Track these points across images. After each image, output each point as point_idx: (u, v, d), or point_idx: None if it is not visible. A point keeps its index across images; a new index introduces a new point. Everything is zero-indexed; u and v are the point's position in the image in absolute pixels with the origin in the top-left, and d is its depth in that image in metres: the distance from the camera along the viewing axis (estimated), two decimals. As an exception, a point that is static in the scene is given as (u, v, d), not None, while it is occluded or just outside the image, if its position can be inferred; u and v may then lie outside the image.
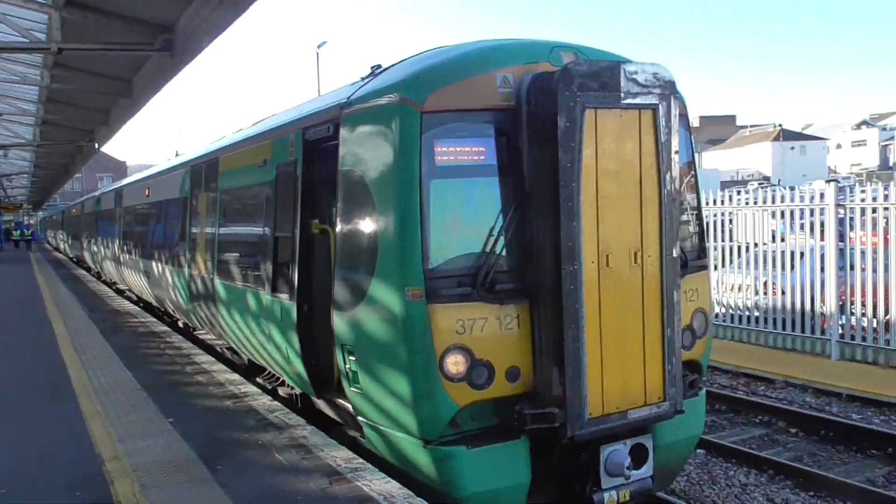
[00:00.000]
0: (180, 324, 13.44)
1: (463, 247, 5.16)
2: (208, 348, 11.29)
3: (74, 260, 35.19)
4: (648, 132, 5.14)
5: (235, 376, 8.81)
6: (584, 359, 4.92)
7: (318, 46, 37.16)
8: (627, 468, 5.20)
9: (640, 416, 5.20)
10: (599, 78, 4.95)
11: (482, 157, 5.24)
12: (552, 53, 5.46)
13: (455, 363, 4.97)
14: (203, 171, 10.47)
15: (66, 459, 6.08)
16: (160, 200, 13.54)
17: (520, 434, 5.13)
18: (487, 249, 5.09)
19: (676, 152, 5.24)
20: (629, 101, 5.05)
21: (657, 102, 5.15)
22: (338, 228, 5.84)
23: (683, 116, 5.55)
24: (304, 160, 6.67)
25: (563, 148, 4.84)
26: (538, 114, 5.05)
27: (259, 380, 8.54)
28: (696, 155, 6.20)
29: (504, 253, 5.14)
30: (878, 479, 7.71)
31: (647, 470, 5.45)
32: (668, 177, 5.17)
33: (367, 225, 5.43)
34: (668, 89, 5.20)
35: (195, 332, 12.31)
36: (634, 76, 5.06)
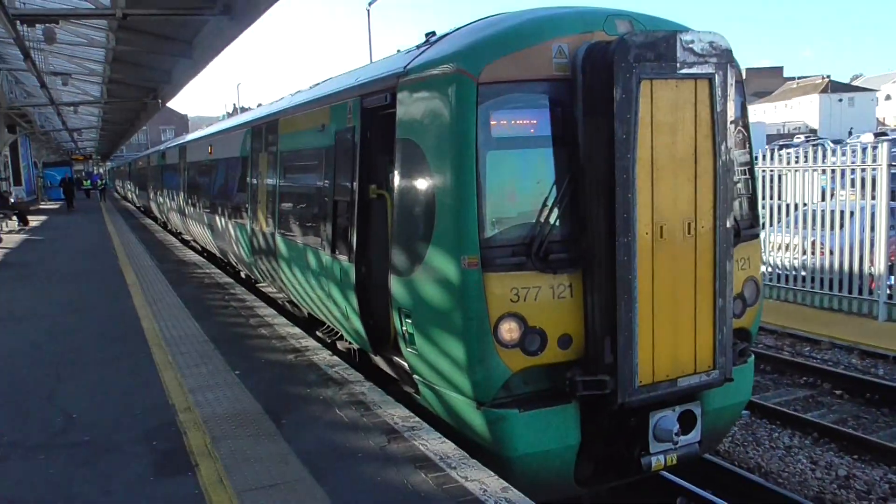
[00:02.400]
0: (242, 275, 13.86)
1: (518, 217, 5.27)
2: (270, 300, 11.68)
3: (142, 209, 36.03)
4: (704, 102, 5.13)
5: (297, 330, 9.12)
6: (636, 328, 5.03)
7: (369, 4, 36.90)
8: (676, 434, 5.34)
9: (689, 384, 5.32)
10: (656, 48, 4.94)
11: (537, 128, 5.29)
12: (607, 22, 5.44)
13: (509, 330, 5.13)
14: (264, 131, 10.79)
15: (142, 408, 6.44)
16: (223, 158, 13.96)
17: (570, 399, 5.29)
18: (542, 220, 5.19)
19: (732, 122, 5.23)
20: (685, 70, 5.04)
21: (713, 72, 5.13)
22: (395, 195, 5.98)
23: (739, 83, 5.50)
24: (362, 127, 6.80)
25: (619, 119, 4.88)
26: (594, 85, 5.07)
27: (319, 333, 8.84)
28: (749, 122, 6.15)
29: (558, 223, 5.23)
30: (922, 442, 7.76)
31: (694, 435, 5.59)
32: (722, 147, 5.17)
33: (424, 193, 5.56)
34: (725, 58, 5.17)
35: (257, 285, 12.73)
36: (691, 45, 5.04)
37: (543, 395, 5.36)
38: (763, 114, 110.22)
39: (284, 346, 8.32)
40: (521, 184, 5.40)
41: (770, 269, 13.89)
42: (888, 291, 11.85)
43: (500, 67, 5.19)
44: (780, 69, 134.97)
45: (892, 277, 11.91)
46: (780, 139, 74.19)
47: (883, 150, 11.95)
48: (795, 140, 67.38)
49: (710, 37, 5.11)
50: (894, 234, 11.81)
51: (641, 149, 4.93)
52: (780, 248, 13.72)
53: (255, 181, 11.18)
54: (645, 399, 5.19)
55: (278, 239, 9.68)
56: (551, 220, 5.21)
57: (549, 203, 5.21)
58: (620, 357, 5.04)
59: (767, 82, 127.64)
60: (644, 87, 4.91)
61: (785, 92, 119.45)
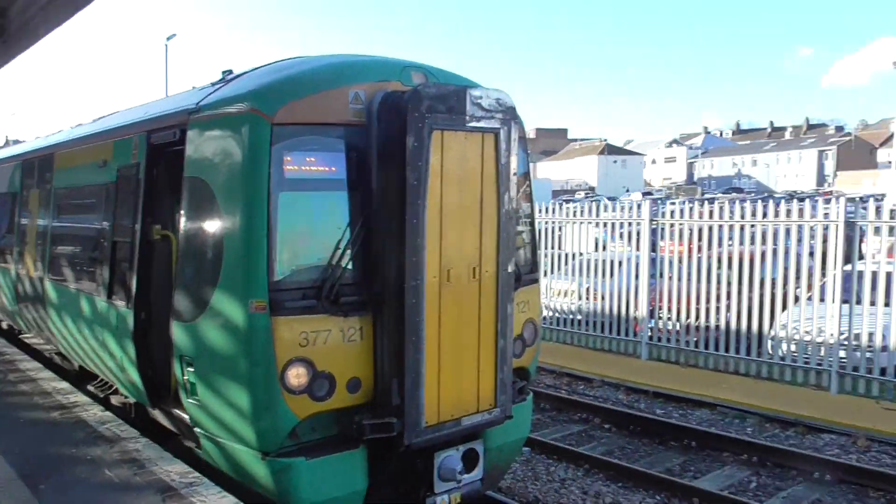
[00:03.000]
0: (3, 325, 12.42)
1: (309, 259, 5.22)
2: (36, 353, 10.52)
3: None
4: (490, 154, 5.46)
5: (64, 384, 8.30)
6: (423, 370, 5.16)
7: (168, 39, 35.22)
8: (459, 473, 5.51)
9: (472, 422, 5.53)
10: (447, 101, 5.20)
11: (331, 172, 5.33)
12: (403, 73, 5.65)
13: (297, 375, 5.03)
14: (36, 166, 9.89)
15: None
16: None
17: (358, 443, 5.28)
18: (333, 262, 5.19)
19: (515, 174, 5.62)
20: (474, 124, 5.35)
21: (499, 127, 5.49)
22: (181, 236, 5.68)
23: (522, 139, 5.93)
24: (148, 163, 6.44)
25: (411, 167, 5.05)
26: (388, 132, 5.21)
27: (91, 388, 8.08)
28: (531, 173, 6.65)
29: (350, 266, 5.26)
30: (675, 468, 8.64)
31: (477, 473, 5.79)
32: (506, 197, 5.53)
33: (211, 234, 5.34)
34: (510, 115, 5.56)
35: (20, 336, 11.45)
36: (479, 101, 5.37)
37: (331, 441, 5.29)
38: (550, 171, 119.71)
39: (49, 402, 7.53)
40: (313, 226, 5.37)
41: (551, 314, 14.94)
42: (649, 333, 13.22)
43: (295, 109, 5.18)
44: (564, 131, 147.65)
45: (653, 320, 13.29)
46: (564, 194, 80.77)
47: (645, 207, 13.44)
48: (577, 196, 73.72)
49: (496, 94, 5.49)
50: (654, 282, 13.21)
51: (431, 196, 5.13)
52: (560, 293, 14.83)
53: (24, 220, 10.17)
54: (431, 439, 5.30)
55: (48, 284, 8.79)
56: (343, 264, 5.22)
57: (342, 246, 5.23)
58: (407, 399, 5.13)
59: (554, 142, 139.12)
60: (435, 137, 5.13)
61: (569, 152, 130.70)
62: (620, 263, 13.89)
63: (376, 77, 5.52)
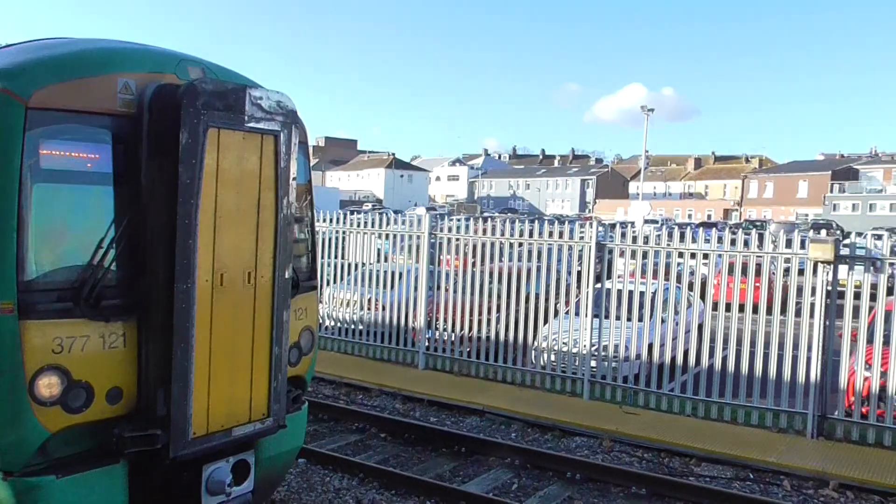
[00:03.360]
0: None
1: (67, 258, 4.77)
2: None
3: None
4: (269, 157, 5.36)
5: None
6: (192, 378, 4.91)
7: None
8: (228, 485, 5.30)
9: (244, 432, 5.35)
10: (225, 98, 5.03)
11: (95, 164, 4.91)
12: (179, 66, 5.37)
13: (48, 385, 4.55)
14: None
15: None
16: None
17: (118, 458, 4.89)
18: (95, 262, 4.78)
19: (294, 178, 5.56)
20: (253, 124, 5.21)
21: (279, 129, 5.40)
22: None
23: (303, 144, 5.88)
24: None
25: (184, 164, 4.80)
26: (160, 126, 4.92)
27: None
28: (320, 181, 6.62)
29: (113, 267, 4.87)
30: (446, 473, 9.00)
31: (248, 485, 5.60)
32: (284, 202, 5.45)
33: None
34: (291, 118, 5.50)
35: None
36: (259, 101, 5.25)
37: (88, 456, 4.85)
38: (338, 181, 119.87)
39: None
40: (72, 222, 4.90)
41: (334, 323, 14.93)
42: (426, 343, 13.67)
43: (55, 94, 4.71)
44: (354, 142, 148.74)
45: (430, 331, 13.77)
46: (352, 205, 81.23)
47: (425, 221, 13.93)
48: (365, 207, 74.45)
49: (277, 96, 5.40)
50: (432, 293, 13.71)
51: (205, 196, 4.92)
52: (342, 303, 14.86)
53: None
54: (199, 451, 5.05)
55: None
56: (105, 264, 4.82)
57: (105, 245, 4.83)
58: (174, 409, 4.85)
59: (344, 152, 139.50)
60: (211, 134, 4.93)
61: (357, 163, 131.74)
62: (401, 275, 14.25)
63: (149, 68, 5.19)
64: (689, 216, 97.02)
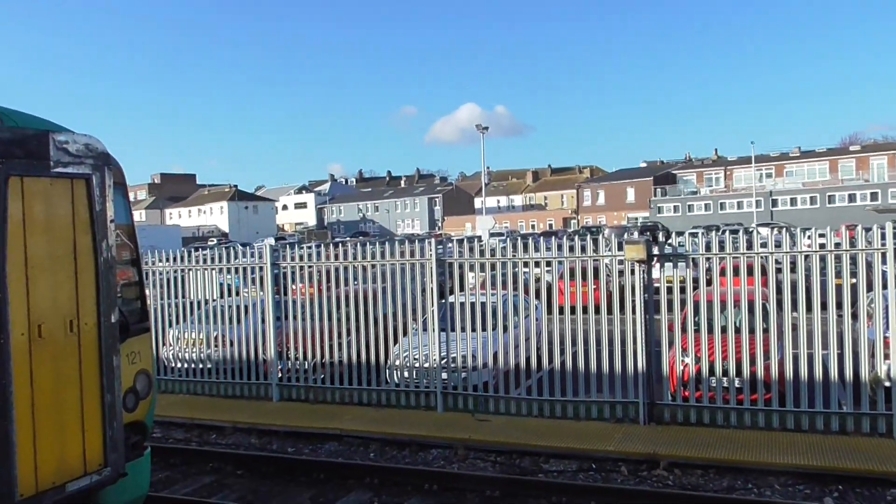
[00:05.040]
0: None
1: None
2: None
3: None
4: (82, 201, 5.22)
5: None
6: (14, 438, 4.67)
7: None
8: (64, 542, 5.06)
9: (79, 486, 5.15)
10: (26, 145, 4.86)
11: None
12: None
13: None
14: None
15: None
16: None
17: None
18: None
19: (112, 221, 5.44)
20: (60, 169, 5.07)
21: (90, 172, 5.28)
22: None
23: (120, 185, 5.75)
24: None
25: (-13, 214, 4.60)
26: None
27: None
28: (133, 219, 6.45)
29: None
30: (305, 501, 8.96)
31: (84, 539, 5.37)
32: (103, 245, 5.32)
33: None
34: (102, 160, 5.38)
35: None
36: (65, 146, 5.11)
37: None
38: (179, 217, 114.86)
39: None
40: None
41: (182, 365, 14.36)
42: (279, 374, 13.49)
43: None
44: (193, 176, 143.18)
45: (282, 361, 13.60)
46: (196, 241, 78.04)
47: (266, 251, 13.78)
48: (210, 242, 71.71)
49: (85, 139, 5.28)
50: (280, 324, 13.57)
51: (13, 246, 4.72)
52: (189, 343, 14.34)
53: None
54: (27, 512, 4.80)
55: None
56: None
57: None
58: (-6, 472, 4.59)
59: (182, 188, 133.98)
60: (13, 183, 4.75)
61: (198, 198, 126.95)
62: (247, 308, 13.98)
63: None
64: (533, 227, 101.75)
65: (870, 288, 10.02)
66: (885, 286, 9.71)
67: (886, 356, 9.69)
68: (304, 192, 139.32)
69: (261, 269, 13.80)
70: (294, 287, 13.72)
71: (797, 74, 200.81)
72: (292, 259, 13.61)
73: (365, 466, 9.76)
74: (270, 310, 13.48)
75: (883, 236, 9.76)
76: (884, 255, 9.75)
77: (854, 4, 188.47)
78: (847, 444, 9.42)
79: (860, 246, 9.92)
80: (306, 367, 13.34)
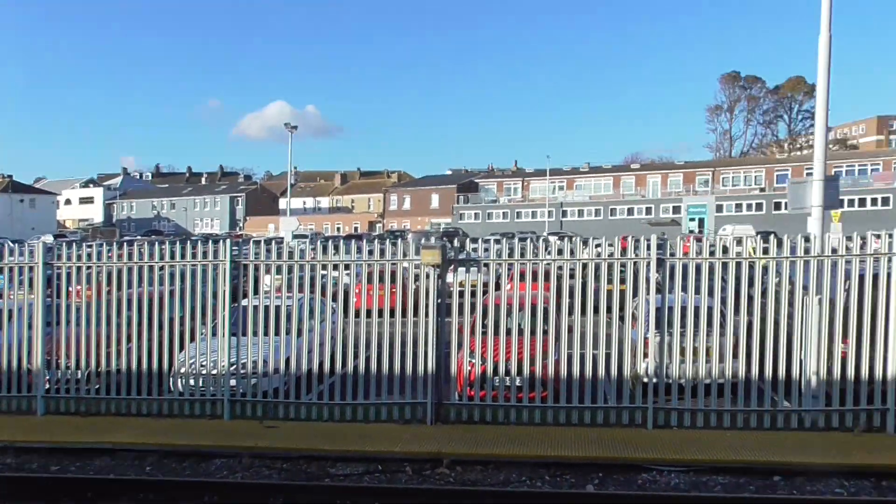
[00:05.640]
0: None
1: None
2: None
3: None
4: None
5: None
6: None
7: None
8: None
9: None
10: None
11: None
12: None
13: None
14: None
15: None
16: None
17: None
18: None
19: None
20: None
21: None
22: None
23: None
24: None
25: None
26: None
27: None
28: None
29: None
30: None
31: None
32: None
33: None
34: None
35: None
36: None
37: None
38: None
39: None
40: None
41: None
42: (47, 385, 12.28)
43: None
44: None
45: (51, 371, 12.39)
46: (-47, 236, 68.92)
47: (38, 250, 12.51)
48: (-27, 238, 63.64)
49: None
50: (50, 330, 12.36)
51: None
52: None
53: None
54: None
55: None
56: None
57: None
58: None
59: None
60: None
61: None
62: (11, 312, 12.59)
63: None
64: (339, 229, 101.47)
65: (636, 294, 11.14)
66: (648, 291, 10.85)
67: (646, 355, 10.83)
68: (91, 185, 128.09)
69: (31, 269, 12.49)
70: (72, 289, 12.56)
71: (589, 99, 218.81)
72: (69, 259, 12.45)
73: (139, 481, 9.16)
74: (40, 314, 12.24)
75: (648, 247, 10.93)
76: (648, 263, 10.91)
77: (628, 45, 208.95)
78: (609, 435, 10.39)
79: (629, 255, 11.03)
80: (79, 376, 12.26)
